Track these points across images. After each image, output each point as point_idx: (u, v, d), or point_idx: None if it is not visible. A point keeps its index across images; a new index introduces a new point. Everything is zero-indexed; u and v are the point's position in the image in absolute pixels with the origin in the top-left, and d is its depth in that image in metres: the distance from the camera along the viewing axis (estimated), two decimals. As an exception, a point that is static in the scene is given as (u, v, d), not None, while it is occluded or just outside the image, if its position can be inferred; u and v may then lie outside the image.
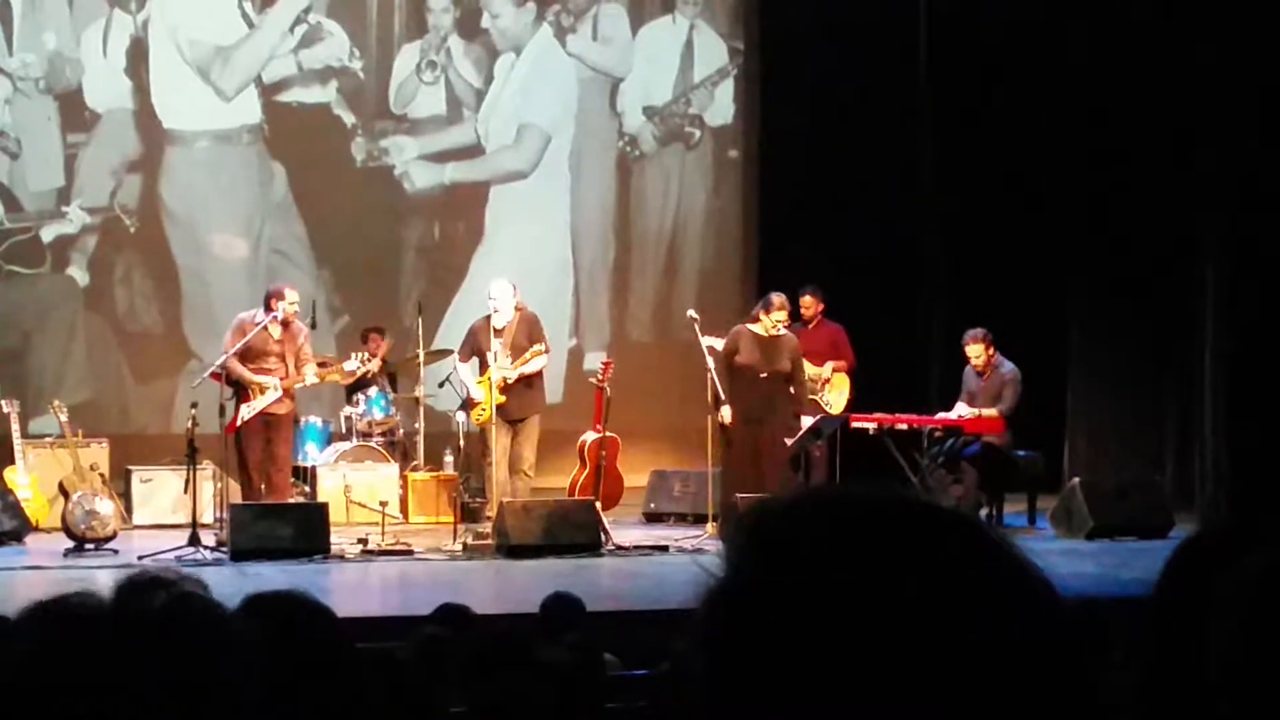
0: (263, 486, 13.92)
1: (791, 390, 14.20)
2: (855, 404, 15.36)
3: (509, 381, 13.93)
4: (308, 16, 18.23)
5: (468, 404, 14.69)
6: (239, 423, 13.70)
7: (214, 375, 14.09)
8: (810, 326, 15.49)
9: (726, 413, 13.88)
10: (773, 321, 14.05)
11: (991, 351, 14.78)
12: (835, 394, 15.22)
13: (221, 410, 13.67)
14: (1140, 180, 16.25)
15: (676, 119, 19.43)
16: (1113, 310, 16.82)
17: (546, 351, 14.42)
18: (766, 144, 19.21)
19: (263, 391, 13.70)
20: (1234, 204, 15.63)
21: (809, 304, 15.64)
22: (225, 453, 13.94)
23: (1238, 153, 15.54)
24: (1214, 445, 15.74)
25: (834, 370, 15.24)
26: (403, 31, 18.59)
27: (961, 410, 14.83)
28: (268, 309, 13.96)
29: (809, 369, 14.87)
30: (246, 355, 13.76)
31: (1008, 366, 14.77)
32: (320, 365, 15.75)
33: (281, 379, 13.82)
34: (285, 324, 13.97)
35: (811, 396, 14.92)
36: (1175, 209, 16.09)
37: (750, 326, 14.23)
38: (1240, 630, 1.76)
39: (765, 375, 14.06)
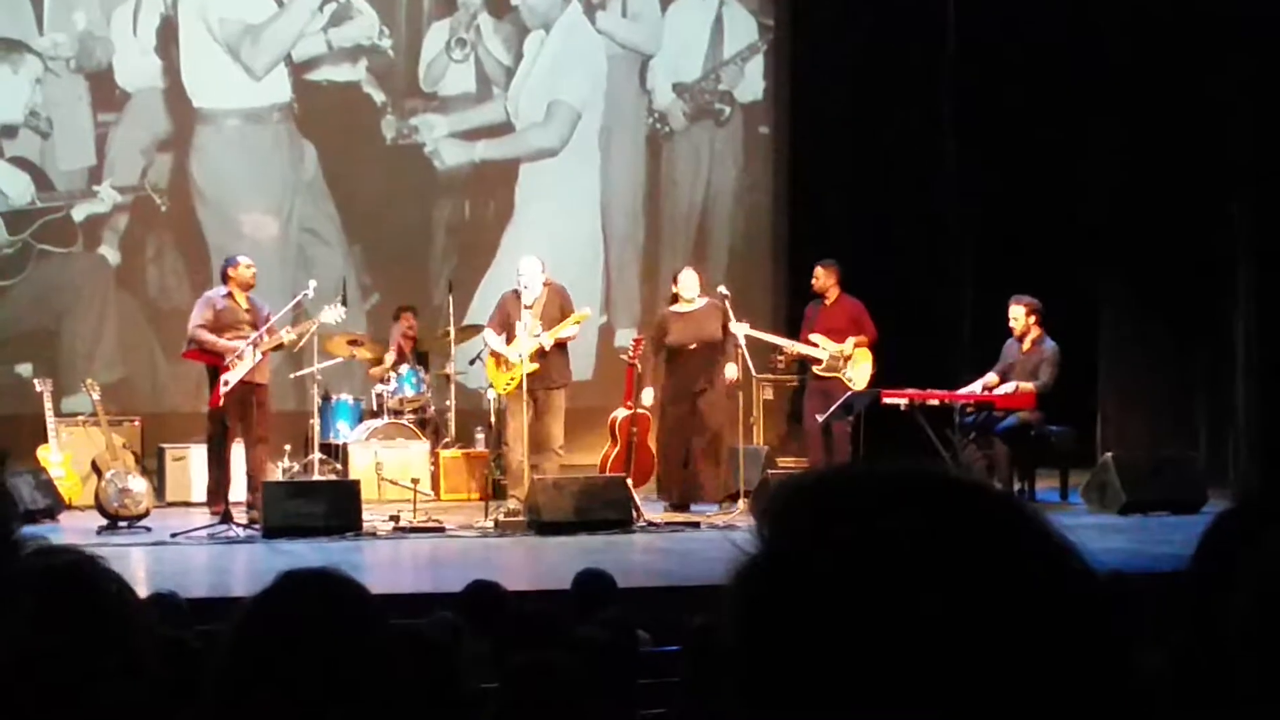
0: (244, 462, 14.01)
1: (724, 354, 14.50)
2: (883, 378, 15.29)
3: (545, 349, 13.97)
4: (337, -5, 18.26)
5: (494, 370, 14.56)
6: (223, 394, 13.63)
7: (188, 354, 14.12)
8: (828, 303, 15.42)
9: (648, 395, 14.57)
10: (678, 292, 14.64)
11: (1033, 322, 14.73)
12: (858, 369, 15.18)
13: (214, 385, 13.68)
14: (1172, 152, 16.18)
15: (706, 95, 19.40)
16: (1144, 284, 16.76)
17: (588, 317, 14.70)
18: (797, 120, 19.18)
19: (240, 358, 13.62)
20: (1268, 174, 15.56)
21: (820, 275, 15.48)
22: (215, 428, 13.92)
23: (1272, 126, 15.47)
24: (1247, 419, 15.69)
25: (855, 345, 15.20)
26: (432, 9, 18.59)
27: (989, 381, 14.80)
28: (225, 280, 13.97)
29: (831, 345, 14.99)
30: (219, 331, 13.71)
31: (1049, 344, 14.73)
32: (351, 343, 15.81)
33: (256, 343, 13.76)
34: (247, 291, 13.97)
35: (834, 374, 15.03)
36: (1207, 181, 16.02)
37: (671, 308, 14.74)
38: (1260, 603, 1.75)
39: (694, 347, 14.39)
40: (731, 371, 14.48)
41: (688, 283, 14.68)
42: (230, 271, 13.95)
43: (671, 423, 14.64)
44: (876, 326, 15.32)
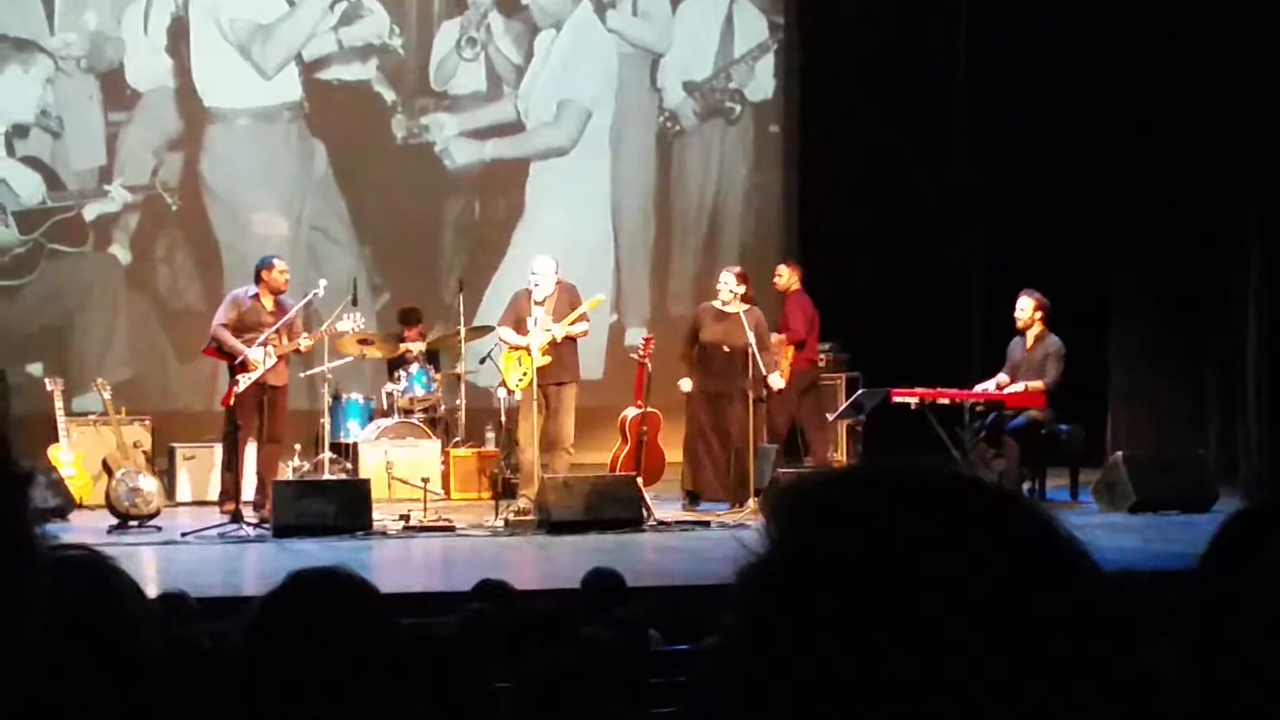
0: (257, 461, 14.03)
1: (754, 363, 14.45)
2: (894, 377, 15.28)
3: (557, 340, 13.98)
4: (348, -6, 18.28)
5: (508, 365, 14.50)
6: (235, 394, 13.66)
7: (208, 351, 14.17)
8: (783, 299, 15.59)
9: (685, 383, 14.52)
10: (724, 293, 14.49)
11: (1039, 318, 14.72)
12: (781, 366, 15.22)
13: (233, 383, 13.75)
14: (1184, 151, 16.15)
15: (717, 94, 19.40)
16: (1155, 282, 16.74)
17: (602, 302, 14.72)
18: (807, 118, 19.18)
19: (252, 364, 13.62)
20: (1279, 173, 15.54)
21: (781, 273, 15.76)
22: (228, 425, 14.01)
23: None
24: (1258, 418, 15.67)
25: (777, 343, 15.22)
26: (442, 8, 18.60)
27: (1001, 381, 14.79)
28: (258, 281, 14.00)
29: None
30: (241, 330, 13.77)
31: (1054, 339, 14.73)
32: (361, 342, 15.82)
33: (275, 347, 13.76)
34: (276, 295, 14.00)
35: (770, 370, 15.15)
36: (1219, 180, 16.00)
37: (713, 303, 14.63)
38: (1273, 606, 1.75)
39: (727, 350, 14.34)
40: (776, 381, 14.46)
41: (722, 284, 14.60)
42: (264, 274, 13.98)
43: (693, 421, 14.62)
44: (884, 326, 15.36)
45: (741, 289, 14.46)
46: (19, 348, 17.14)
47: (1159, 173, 16.46)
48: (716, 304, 14.57)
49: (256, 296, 13.94)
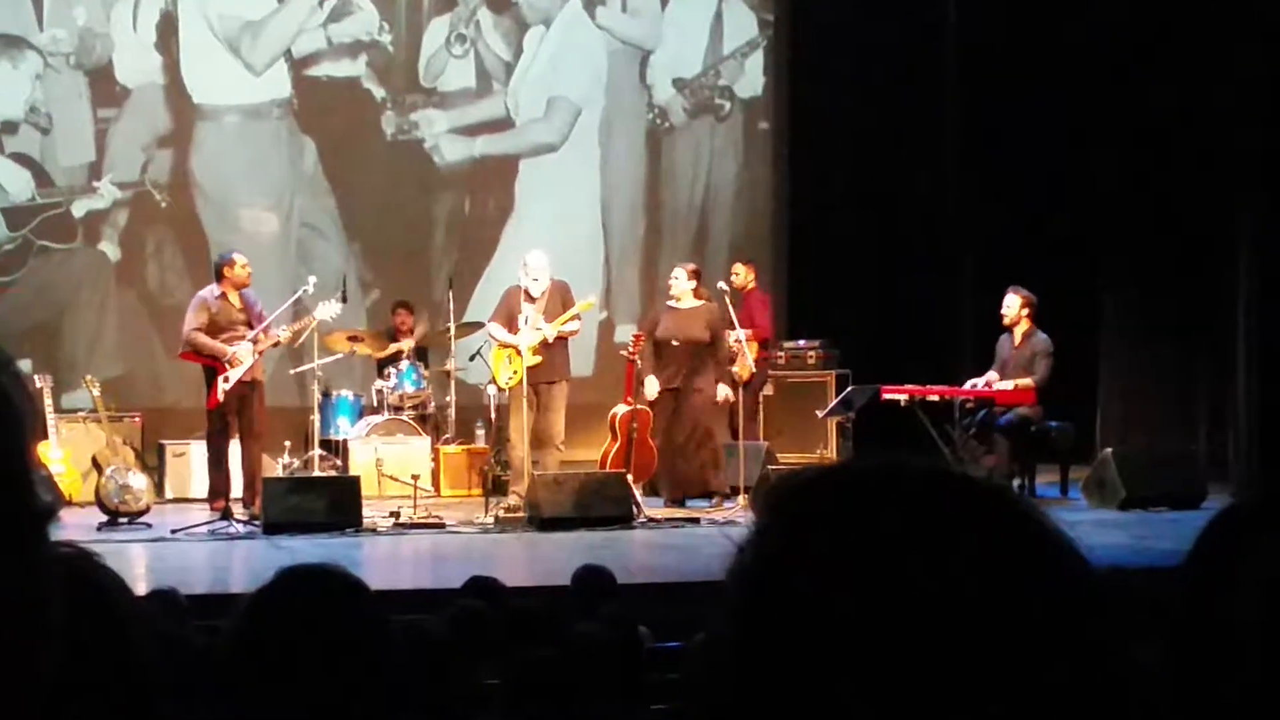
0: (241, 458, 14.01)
1: (715, 358, 14.58)
2: (884, 374, 15.30)
3: (549, 340, 13.99)
4: (337, -10, 18.25)
5: (499, 363, 14.52)
6: (220, 395, 13.63)
7: (183, 355, 14.10)
8: (742, 298, 15.69)
9: (651, 384, 14.59)
10: (675, 289, 14.70)
11: (1025, 315, 14.73)
12: (741, 362, 15.28)
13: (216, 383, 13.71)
14: (1175, 146, 16.17)
15: (706, 91, 19.39)
16: (1146, 279, 16.75)
17: (592, 305, 14.76)
18: (797, 115, 19.17)
19: (238, 360, 13.60)
20: (1271, 168, 15.55)
21: (735, 272, 15.92)
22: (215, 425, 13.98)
23: (1277, 121, 15.46)
24: (1247, 414, 15.69)
25: (737, 340, 15.28)
26: (432, 5, 18.58)
27: (991, 379, 14.81)
28: (220, 279, 13.93)
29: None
30: (215, 331, 13.69)
31: (1041, 336, 14.74)
32: (351, 339, 15.82)
33: (253, 342, 13.71)
34: (241, 290, 13.94)
35: (733, 367, 15.20)
36: (1211, 175, 16.01)
37: (668, 302, 14.81)
38: (1267, 603, 1.75)
39: (676, 344, 14.38)
40: (722, 392, 14.51)
41: (675, 281, 14.70)
42: (226, 271, 13.90)
43: (657, 417, 14.68)
44: (874, 323, 15.37)
45: (692, 284, 14.60)
46: (7, 345, 16.95)
47: (1151, 170, 16.47)
48: (670, 303, 14.72)
49: (223, 295, 13.86)
